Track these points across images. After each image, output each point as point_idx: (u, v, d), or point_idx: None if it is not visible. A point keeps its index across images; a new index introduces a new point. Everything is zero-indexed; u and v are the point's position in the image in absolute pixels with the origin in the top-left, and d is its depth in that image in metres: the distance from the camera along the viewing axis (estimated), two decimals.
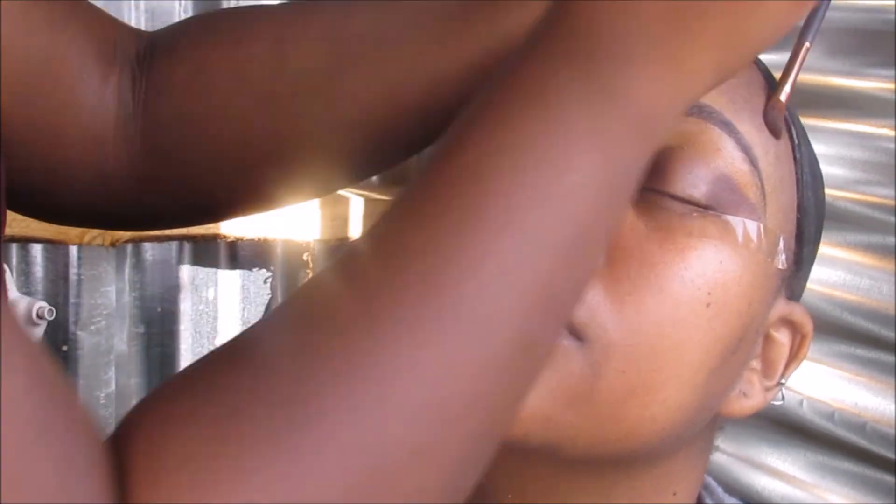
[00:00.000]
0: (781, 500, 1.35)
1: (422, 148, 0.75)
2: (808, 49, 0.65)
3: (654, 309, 0.62)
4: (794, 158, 0.68)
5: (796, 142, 0.68)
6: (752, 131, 0.65)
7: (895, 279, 1.22)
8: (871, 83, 1.24)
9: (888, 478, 1.24)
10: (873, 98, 1.24)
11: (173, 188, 0.73)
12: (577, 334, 0.61)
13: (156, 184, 0.73)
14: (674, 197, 0.63)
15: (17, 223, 1.56)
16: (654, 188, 0.63)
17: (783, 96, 0.66)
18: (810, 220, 0.70)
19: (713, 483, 0.76)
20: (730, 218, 0.64)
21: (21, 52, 0.69)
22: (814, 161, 0.71)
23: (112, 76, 0.73)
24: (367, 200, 1.66)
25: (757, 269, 0.65)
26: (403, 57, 0.71)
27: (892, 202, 1.23)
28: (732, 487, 0.75)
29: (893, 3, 1.17)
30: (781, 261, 0.66)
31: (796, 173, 0.68)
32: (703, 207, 0.63)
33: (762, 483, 1.37)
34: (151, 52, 0.75)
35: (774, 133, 0.66)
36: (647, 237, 0.62)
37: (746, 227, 0.64)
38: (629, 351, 0.61)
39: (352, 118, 0.71)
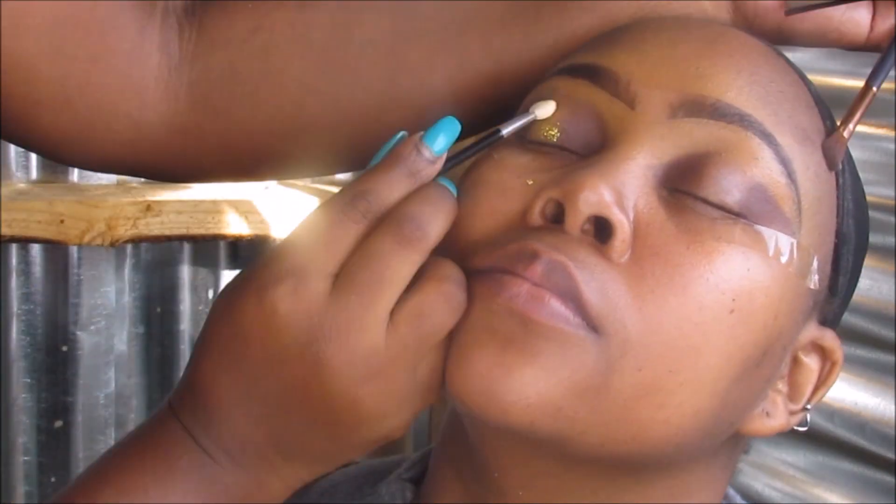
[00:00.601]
0: (781, 500, 1.35)
1: (473, 134, 0.75)
2: (874, 94, 0.66)
3: (676, 309, 0.61)
4: (837, 183, 0.67)
5: (840, 167, 0.67)
6: (793, 145, 0.64)
7: (895, 279, 1.22)
8: None
9: (888, 478, 1.24)
10: (873, 98, 1.24)
11: (219, 143, 0.73)
12: (594, 326, 0.60)
13: (200, 137, 0.73)
14: (706, 201, 0.62)
15: (17, 223, 1.56)
16: (687, 191, 0.63)
17: (846, 133, 0.66)
18: (849, 248, 0.68)
19: (731, 492, 0.75)
20: (762, 228, 0.62)
21: (47, 3, 0.68)
22: (858, 191, 0.70)
23: (151, 26, 0.72)
24: None
25: (786, 283, 0.63)
26: (469, 43, 0.71)
27: (892, 202, 1.23)
28: (732, 487, 0.75)
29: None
30: (814, 281, 0.65)
31: (838, 198, 0.67)
32: (735, 215, 0.62)
33: (762, 483, 1.37)
34: (203, 3, 0.74)
35: (830, 165, 0.66)
36: (676, 238, 0.62)
37: (778, 239, 0.63)
38: (647, 349, 0.60)
39: (411, 95, 0.71)
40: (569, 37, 0.71)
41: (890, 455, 1.23)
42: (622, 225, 0.61)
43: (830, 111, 0.69)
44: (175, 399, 0.63)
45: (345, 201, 0.60)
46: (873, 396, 1.26)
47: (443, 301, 0.60)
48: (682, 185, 0.63)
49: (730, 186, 0.62)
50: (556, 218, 0.62)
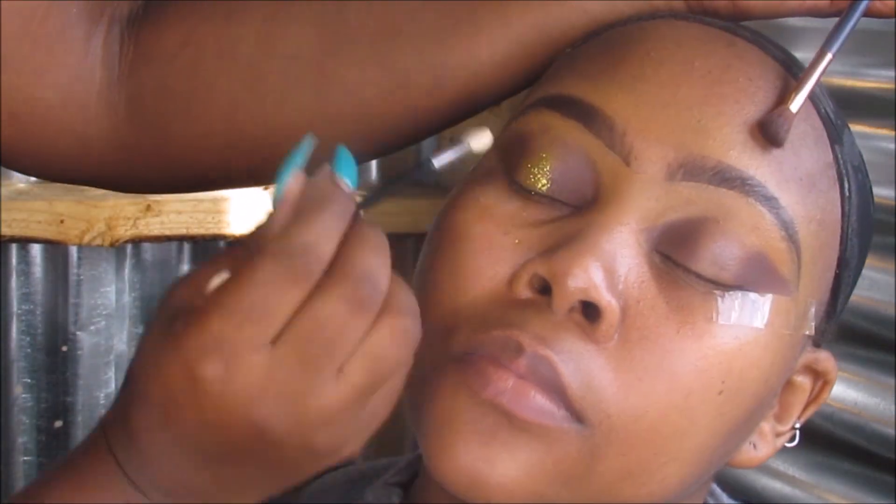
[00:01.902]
0: (781, 500, 1.34)
1: (419, 141, 0.73)
2: (830, 60, 0.62)
3: (663, 396, 0.59)
4: (843, 212, 0.65)
5: (847, 194, 0.65)
6: (797, 203, 0.62)
7: (895, 279, 1.22)
8: (871, 83, 1.23)
9: (888, 478, 1.24)
10: (873, 98, 1.23)
11: (158, 158, 0.72)
12: (578, 417, 0.59)
13: (140, 152, 0.72)
14: (699, 276, 0.60)
15: (17, 223, 1.55)
16: (681, 264, 0.60)
17: (794, 106, 0.61)
18: (851, 267, 0.66)
19: (717, 489, 0.75)
20: (757, 297, 0.60)
21: None
22: (864, 204, 0.67)
23: (96, 37, 0.70)
24: None
25: (780, 345, 0.62)
26: (401, 56, 0.69)
27: (892, 202, 1.23)
28: (733, 487, 0.75)
29: None
30: (811, 327, 0.63)
31: (842, 228, 0.65)
32: (729, 287, 0.60)
33: (762, 483, 1.36)
34: (143, 13, 0.72)
35: (773, 143, 0.62)
36: (666, 317, 0.60)
37: (774, 304, 0.61)
38: (631, 435, 0.59)
39: (343, 110, 0.69)
40: (514, 38, 0.68)
41: (890, 455, 1.23)
42: (611, 310, 0.59)
43: (839, 112, 0.67)
44: (109, 429, 0.57)
45: (279, 261, 0.52)
46: (873, 396, 1.26)
47: (400, 341, 0.54)
48: (675, 254, 0.60)
49: (725, 260, 0.60)
50: (544, 289, 0.60)
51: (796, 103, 0.62)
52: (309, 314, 0.52)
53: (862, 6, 0.64)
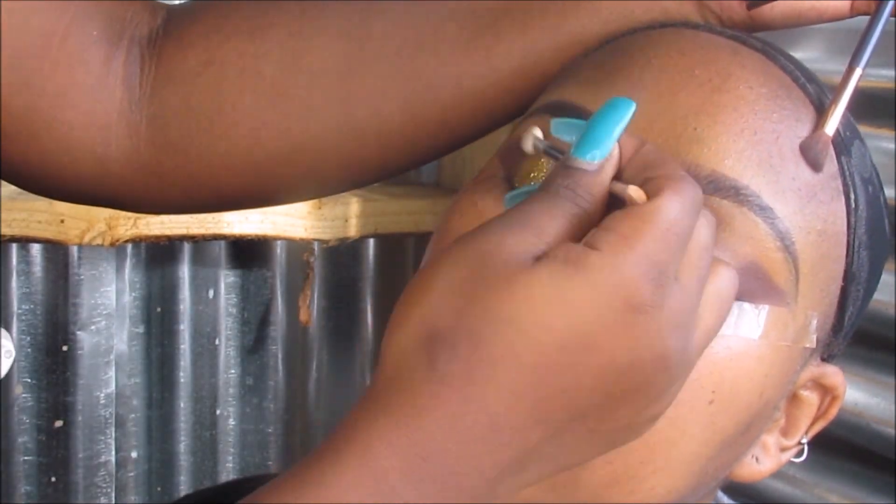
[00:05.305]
0: (781, 500, 1.35)
1: (436, 158, 0.72)
2: (860, 75, 0.61)
3: None
4: (848, 223, 0.63)
5: (853, 205, 0.64)
6: (794, 213, 0.60)
7: (895, 280, 1.22)
8: (871, 83, 1.23)
9: (888, 478, 1.24)
10: (873, 98, 1.23)
11: (179, 178, 0.71)
12: None
13: (161, 174, 0.71)
14: None
15: (18, 223, 1.56)
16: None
17: (829, 129, 0.60)
18: (859, 281, 0.65)
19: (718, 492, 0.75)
20: (750, 308, 0.59)
21: (19, 35, 0.67)
22: (875, 217, 0.66)
23: (116, 58, 0.70)
24: (367, 200, 1.65)
25: (776, 357, 0.61)
26: (424, 68, 0.68)
27: (893, 202, 1.23)
28: (732, 487, 0.75)
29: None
30: (812, 340, 0.62)
31: (848, 239, 0.64)
32: None
33: (762, 483, 1.37)
34: (164, 33, 0.71)
35: (814, 167, 0.61)
36: None
37: (769, 315, 0.60)
38: None
39: (366, 124, 0.69)
40: (534, 57, 0.67)
41: (890, 455, 1.23)
42: None
43: (851, 123, 0.67)
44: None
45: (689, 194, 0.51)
46: (873, 396, 1.26)
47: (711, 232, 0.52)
48: None
49: None
50: None
51: (831, 126, 0.61)
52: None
53: (884, 18, 0.63)
